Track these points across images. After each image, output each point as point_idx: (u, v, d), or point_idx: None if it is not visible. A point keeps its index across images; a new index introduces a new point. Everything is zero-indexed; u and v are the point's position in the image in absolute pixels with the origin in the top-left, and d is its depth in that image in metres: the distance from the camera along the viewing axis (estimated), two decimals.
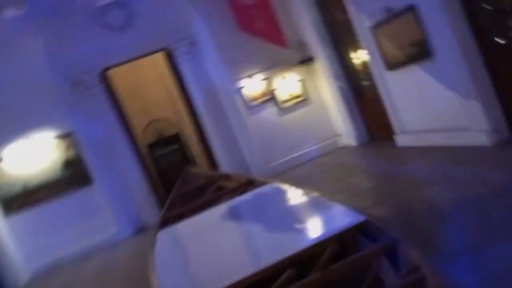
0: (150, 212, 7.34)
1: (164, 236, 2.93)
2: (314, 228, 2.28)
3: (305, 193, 2.71)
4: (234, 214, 2.99)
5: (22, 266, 6.74)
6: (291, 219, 2.51)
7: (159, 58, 8.58)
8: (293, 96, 7.78)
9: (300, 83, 7.79)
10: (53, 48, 6.98)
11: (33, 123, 6.91)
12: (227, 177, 4.55)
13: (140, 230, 7.26)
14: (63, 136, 7.04)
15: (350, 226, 1.99)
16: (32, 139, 6.94)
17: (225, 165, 7.69)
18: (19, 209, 6.88)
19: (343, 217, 2.16)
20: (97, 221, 7.08)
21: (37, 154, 6.95)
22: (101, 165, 7.21)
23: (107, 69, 7.52)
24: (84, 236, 7.00)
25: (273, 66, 7.66)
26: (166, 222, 3.37)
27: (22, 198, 6.90)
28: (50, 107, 6.90)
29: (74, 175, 7.08)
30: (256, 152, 7.64)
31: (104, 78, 7.49)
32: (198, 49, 7.72)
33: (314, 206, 2.53)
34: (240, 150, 7.81)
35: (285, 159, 7.59)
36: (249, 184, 3.72)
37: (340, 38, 7.20)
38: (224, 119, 7.80)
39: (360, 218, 2.01)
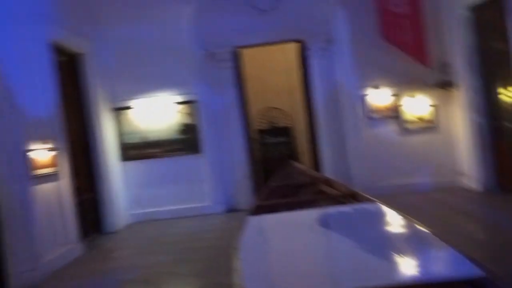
0: (245, 196, 7.44)
1: (254, 223, 2.87)
2: (418, 267, 1.99)
3: (414, 225, 2.40)
4: (329, 223, 2.80)
5: (123, 209, 7.35)
6: (391, 247, 2.24)
7: (289, 48, 8.59)
8: (420, 118, 7.20)
9: (431, 107, 7.17)
10: (199, 17, 7.39)
11: (164, 84, 7.42)
12: (329, 182, 4.33)
13: (231, 210, 7.41)
14: (187, 103, 7.46)
15: (464, 278, 1.69)
16: (159, 98, 7.47)
17: (328, 170, 7.45)
18: (134, 158, 7.51)
19: (456, 265, 1.86)
20: (195, 190, 7.41)
21: (160, 113, 7.48)
22: (212, 138, 7.50)
23: (240, 47, 7.73)
24: (180, 200, 7.40)
25: (405, 82, 7.15)
26: (258, 209, 3.31)
27: (139, 149, 7.51)
28: (182, 73, 7.35)
29: (187, 141, 7.48)
30: (363, 165, 7.26)
31: (235, 55, 7.73)
32: (333, 47, 7.54)
33: (422, 242, 2.22)
34: (347, 159, 7.49)
35: (393, 182, 7.06)
36: (352, 196, 3.49)
37: (491, 68, 6.41)
38: (339, 124, 7.54)
39: (477, 272, 1.70)
